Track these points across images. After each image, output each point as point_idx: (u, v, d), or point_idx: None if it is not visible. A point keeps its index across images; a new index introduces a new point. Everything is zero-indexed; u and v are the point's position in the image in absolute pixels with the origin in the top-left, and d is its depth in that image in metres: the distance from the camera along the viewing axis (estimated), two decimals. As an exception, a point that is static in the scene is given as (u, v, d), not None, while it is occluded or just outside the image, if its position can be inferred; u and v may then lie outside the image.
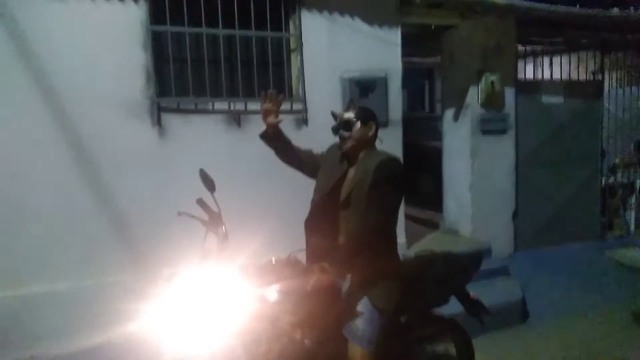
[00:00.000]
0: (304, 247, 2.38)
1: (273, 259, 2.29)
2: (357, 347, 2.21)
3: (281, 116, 2.43)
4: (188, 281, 2.18)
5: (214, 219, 2.31)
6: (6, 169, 3.38)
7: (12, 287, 3.40)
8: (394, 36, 4.52)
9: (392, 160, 2.26)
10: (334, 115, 2.42)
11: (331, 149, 2.51)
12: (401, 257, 2.48)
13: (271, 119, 2.37)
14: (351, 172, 2.35)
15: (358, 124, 2.31)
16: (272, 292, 2.15)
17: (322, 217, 2.32)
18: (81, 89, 3.51)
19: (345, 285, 2.24)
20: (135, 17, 3.61)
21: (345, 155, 2.38)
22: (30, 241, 3.45)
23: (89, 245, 3.57)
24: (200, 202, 2.36)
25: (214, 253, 2.23)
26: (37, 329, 3.34)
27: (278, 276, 2.19)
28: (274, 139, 2.45)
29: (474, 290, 2.72)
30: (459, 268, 2.66)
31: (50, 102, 3.44)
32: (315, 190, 2.44)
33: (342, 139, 2.33)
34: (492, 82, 5.03)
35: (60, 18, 3.44)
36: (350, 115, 2.33)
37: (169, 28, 3.75)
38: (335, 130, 2.36)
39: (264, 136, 2.45)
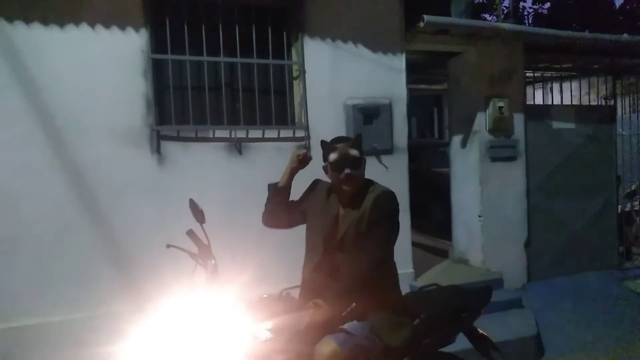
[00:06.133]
0: (297, 283, 2.26)
1: (265, 294, 2.18)
2: (331, 340, 2.01)
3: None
4: (175, 317, 2.08)
5: (203, 252, 2.21)
6: (1, 198, 3.34)
7: (4, 320, 3.33)
8: (399, 63, 4.46)
9: (387, 194, 2.18)
10: (331, 147, 2.17)
11: (317, 185, 2.37)
12: (408, 289, 2.34)
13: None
14: (342, 211, 2.21)
15: (363, 162, 2.20)
16: (263, 330, 2.03)
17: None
18: (81, 116, 3.50)
19: (348, 312, 2.06)
20: (136, 45, 3.62)
21: (345, 193, 2.19)
22: (22, 272, 3.39)
23: (82, 276, 3.49)
24: (191, 234, 2.26)
25: (202, 287, 2.13)
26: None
27: (270, 313, 2.08)
28: (284, 192, 2.32)
29: (484, 324, 2.57)
30: (467, 304, 2.51)
31: (48, 130, 3.42)
32: (312, 232, 2.26)
33: (351, 179, 2.14)
34: (500, 108, 4.93)
35: (61, 47, 3.45)
36: (356, 152, 2.17)
37: (169, 56, 3.75)
38: (341, 167, 2.14)
39: (277, 188, 2.32)
